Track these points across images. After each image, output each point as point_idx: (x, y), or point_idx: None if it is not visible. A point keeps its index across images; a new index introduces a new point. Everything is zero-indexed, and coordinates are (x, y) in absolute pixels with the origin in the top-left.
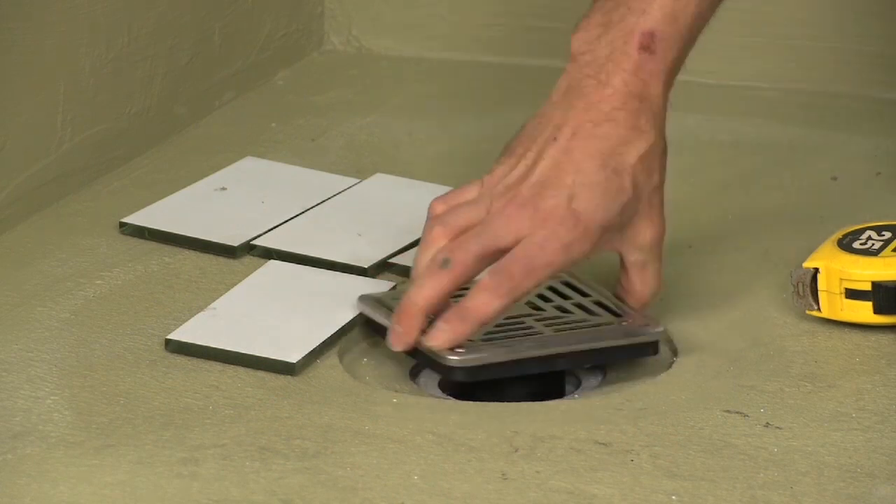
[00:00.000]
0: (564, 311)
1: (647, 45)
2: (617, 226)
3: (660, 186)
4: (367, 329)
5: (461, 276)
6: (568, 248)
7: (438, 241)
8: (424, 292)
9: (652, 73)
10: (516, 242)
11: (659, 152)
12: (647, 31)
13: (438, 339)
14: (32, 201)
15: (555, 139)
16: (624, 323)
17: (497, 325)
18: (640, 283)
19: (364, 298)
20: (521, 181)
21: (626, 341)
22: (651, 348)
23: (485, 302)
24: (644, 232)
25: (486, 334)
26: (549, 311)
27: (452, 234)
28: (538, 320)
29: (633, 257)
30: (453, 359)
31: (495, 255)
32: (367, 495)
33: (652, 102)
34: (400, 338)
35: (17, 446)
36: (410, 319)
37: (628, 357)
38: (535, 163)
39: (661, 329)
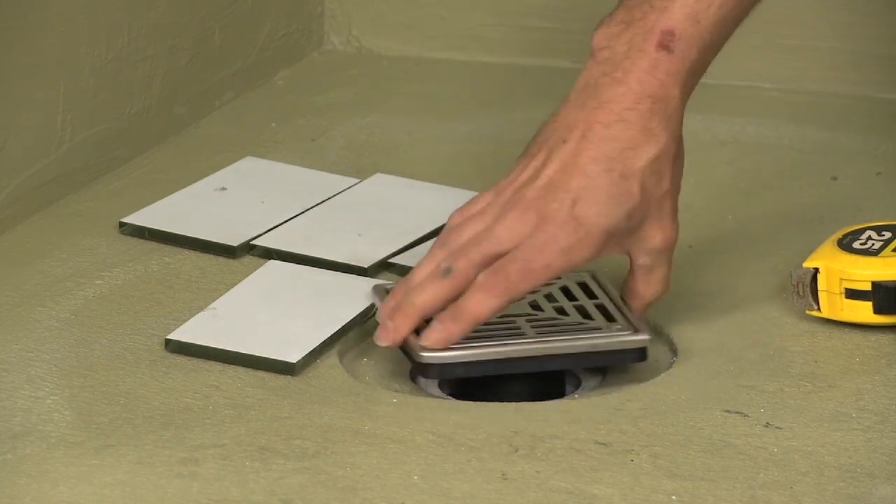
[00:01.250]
0: (562, 313)
1: (667, 43)
2: (624, 230)
3: (671, 191)
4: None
5: (461, 285)
6: (567, 253)
7: (438, 257)
8: (424, 296)
9: (669, 72)
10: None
11: (670, 156)
12: (668, 29)
13: (432, 338)
14: (32, 201)
15: (564, 141)
16: (612, 329)
17: (484, 324)
18: (644, 286)
19: (377, 288)
20: (527, 184)
21: (605, 347)
22: (634, 356)
23: (479, 302)
24: (654, 237)
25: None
26: (547, 311)
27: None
28: (529, 321)
29: (640, 260)
30: (424, 355)
31: (497, 260)
32: (367, 495)
33: (667, 104)
34: (389, 334)
35: (17, 446)
36: (405, 318)
37: (611, 363)
38: (543, 165)
39: (646, 337)
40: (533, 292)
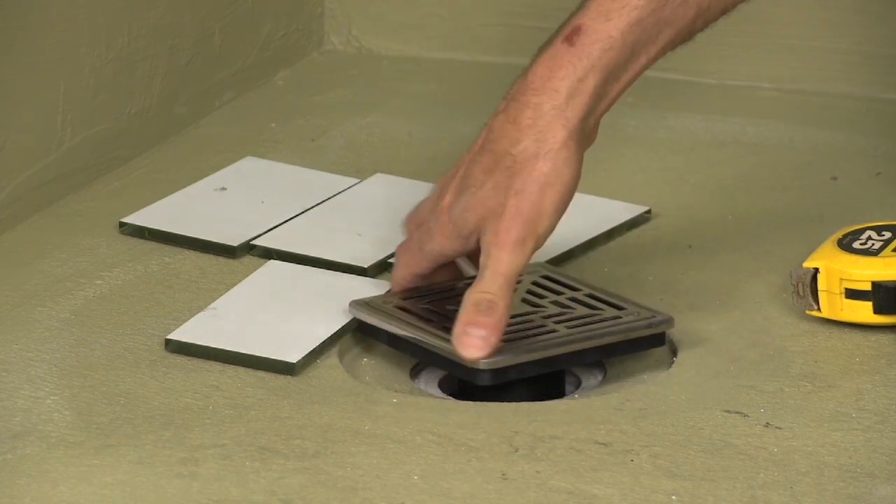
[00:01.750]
0: (564, 306)
1: (571, 38)
2: (473, 227)
3: (520, 192)
4: (362, 333)
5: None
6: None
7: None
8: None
9: (563, 64)
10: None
11: (526, 157)
12: (577, 25)
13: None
14: (32, 201)
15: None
16: (638, 314)
17: (508, 326)
18: (471, 287)
19: (355, 304)
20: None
21: (646, 332)
22: (659, 339)
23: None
24: (489, 230)
25: (508, 333)
26: (550, 308)
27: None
28: (546, 318)
29: (480, 259)
30: (484, 361)
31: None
32: (367, 495)
33: (550, 95)
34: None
35: (17, 446)
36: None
37: (643, 349)
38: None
39: (670, 318)
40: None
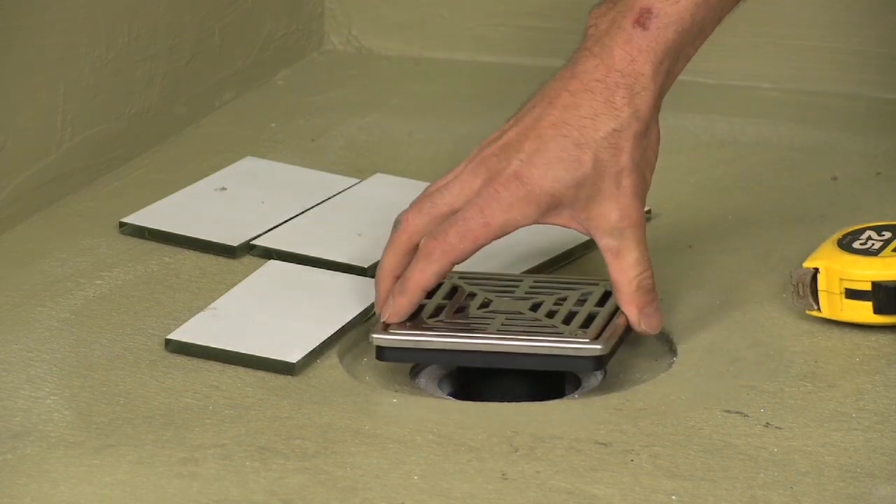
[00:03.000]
0: (551, 315)
1: (643, 21)
2: (572, 199)
3: (631, 169)
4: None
5: (410, 237)
6: (507, 210)
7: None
8: (384, 262)
9: (641, 49)
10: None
11: (632, 133)
12: (646, 7)
13: (385, 313)
14: (32, 201)
15: (534, 107)
16: (570, 334)
17: (458, 316)
18: (617, 273)
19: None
20: (489, 144)
21: (553, 352)
22: (587, 364)
23: (420, 270)
24: (609, 214)
25: (437, 321)
26: (526, 313)
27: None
28: (509, 319)
29: (602, 242)
30: (374, 336)
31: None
32: (367, 495)
33: (635, 80)
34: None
35: (17, 446)
36: (377, 288)
37: (562, 368)
38: (510, 128)
39: (598, 347)
40: (546, 293)
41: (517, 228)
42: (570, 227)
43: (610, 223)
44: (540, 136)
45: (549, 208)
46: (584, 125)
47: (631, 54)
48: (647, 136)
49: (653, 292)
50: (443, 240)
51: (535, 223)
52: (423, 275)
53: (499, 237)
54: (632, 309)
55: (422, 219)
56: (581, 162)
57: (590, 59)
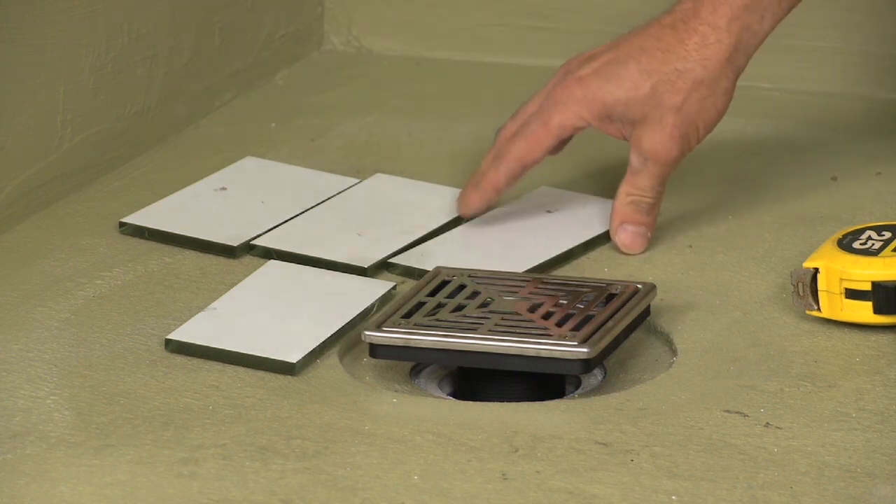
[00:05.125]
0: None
1: None
2: (620, 115)
3: (679, 110)
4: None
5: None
6: (563, 110)
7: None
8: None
9: (723, 2)
10: None
11: (693, 77)
12: None
13: (458, 205)
14: (32, 201)
15: (634, 29)
16: (558, 337)
17: (455, 315)
18: (626, 184)
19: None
20: (578, 56)
21: (540, 354)
22: (573, 366)
23: (494, 168)
24: (647, 137)
25: (432, 320)
26: (523, 314)
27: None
28: (504, 319)
29: (631, 157)
30: (366, 333)
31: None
32: (367, 495)
33: (712, 30)
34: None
35: (17, 446)
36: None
37: (549, 371)
38: (605, 46)
39: (585, 350)
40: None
41: (574, 130)
42: (617, 138)
43: (641, 147)
44: (618, 53)
45: (601, 117)
46: (656, 56)
47: (714, 4)
48: (712, 87)
49: (643, 215)
50: (512, 142)
51: (589, 126)
52: (496, 173)
53: (560, 138)
54: (615, 218)
55: (514, 125)
56: (639, 87)
57: (689, 2)
